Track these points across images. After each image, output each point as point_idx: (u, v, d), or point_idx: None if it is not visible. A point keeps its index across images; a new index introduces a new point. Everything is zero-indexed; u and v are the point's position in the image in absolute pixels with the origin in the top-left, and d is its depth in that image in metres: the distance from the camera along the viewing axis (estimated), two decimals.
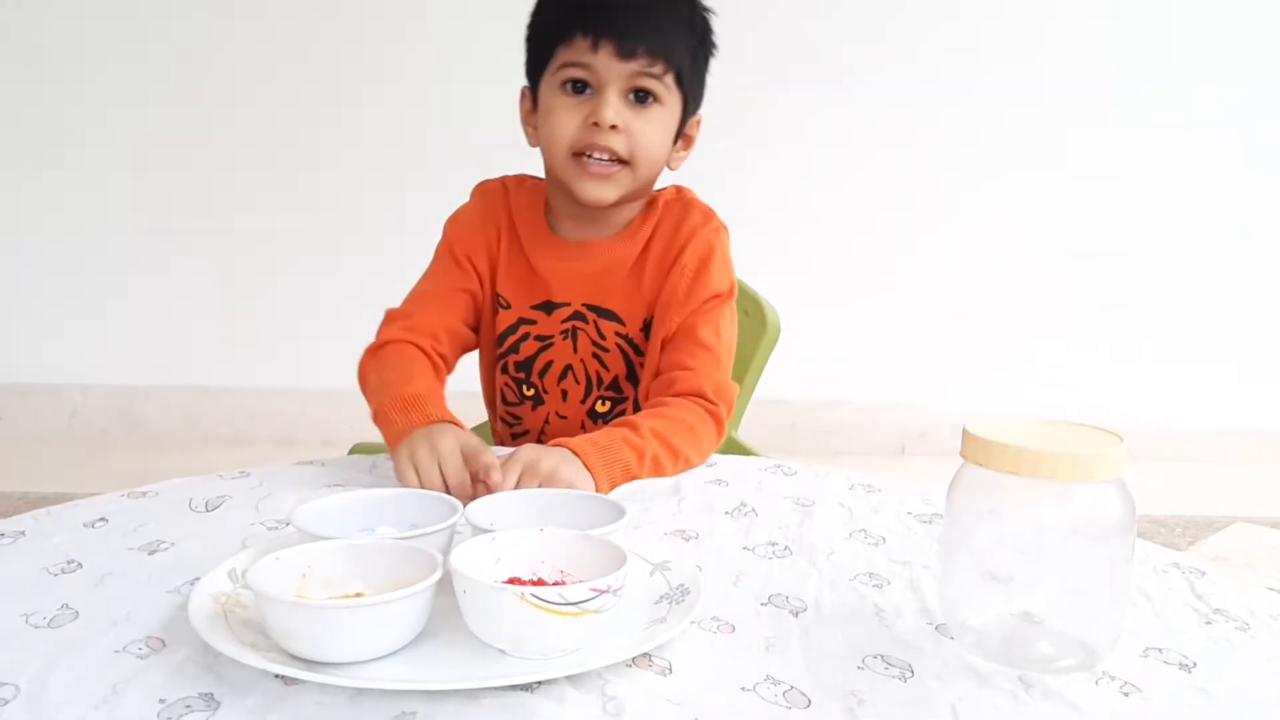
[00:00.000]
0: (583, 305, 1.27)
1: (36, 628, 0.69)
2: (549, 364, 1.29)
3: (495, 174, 1.35)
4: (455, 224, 1.32)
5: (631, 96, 1.16)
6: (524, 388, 1.31)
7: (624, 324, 1.27)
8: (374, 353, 1.22)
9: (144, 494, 0.99)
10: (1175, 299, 3.44)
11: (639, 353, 1.28)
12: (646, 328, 1.28)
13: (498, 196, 1.32)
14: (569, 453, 1.03)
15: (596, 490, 1.01)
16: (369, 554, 0.71)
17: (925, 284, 3.41)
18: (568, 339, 1.28)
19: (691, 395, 1.18)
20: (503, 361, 1.32)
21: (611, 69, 1.14)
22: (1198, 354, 3.45)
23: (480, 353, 1.37)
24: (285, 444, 3.38)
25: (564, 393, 1.29)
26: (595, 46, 1.13)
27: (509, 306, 1.30)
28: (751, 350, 1.59)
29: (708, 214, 1.28)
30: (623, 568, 0.66)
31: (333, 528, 0.76)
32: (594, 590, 0.63)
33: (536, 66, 1.21)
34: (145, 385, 3.41)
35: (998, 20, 3.26)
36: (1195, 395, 3.48)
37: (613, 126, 1.14)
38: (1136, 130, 3.31)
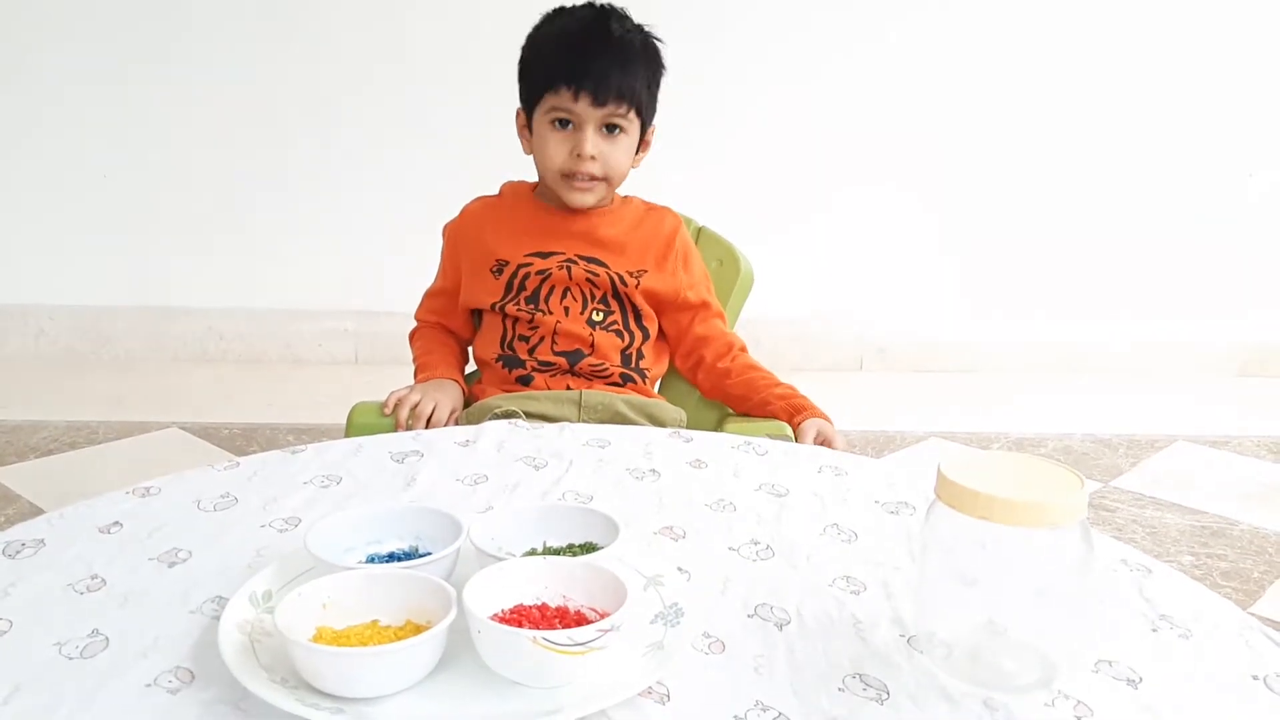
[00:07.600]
0: (575, 255, 1.58)
1: (70, 659, 0.74)
2: (551, 289, 1.57)
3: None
4: (445, 232, 1.70)
5: (604, 129, 1.52)
6: (536, 314, 1.57)
7: (609, 267, 1.58)
8: (416, 333, 1.71)
9: (148, 490, 1.02)
10: (1123, 219, 3.51)
11: (623, 282, 1.58)
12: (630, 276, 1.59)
13: (487, 200, 1.69)
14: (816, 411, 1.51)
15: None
16: (384, 584, 0.76)
17: (883, 203, 3.46)
18: (563, 269, 1.57)
19: (741, 350, 1.64)
20: (514, 302, 1.57)
21: (588, 113, 1.50)
22: (1142, 274, 3.54)
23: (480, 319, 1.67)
24: (255, 363, 3.41)
25: (565, 309, 1.57)
26: (576, 97, 1.49)
27: (508, 263, 1.59)
28: (725, 297, 1.77)
29: (673, 213, 1.67)
30: (623, 607, 0.71)
31: (344, 545, 0.82)
32: (599, 631, 0.69)
33: (529, 101, 1.56)
34: (112, 305, 3.40)
35: None
36: (1139, 314, 3.58)
37: (592, 157, 1.52)
38: (1081, 85, 3.34)
